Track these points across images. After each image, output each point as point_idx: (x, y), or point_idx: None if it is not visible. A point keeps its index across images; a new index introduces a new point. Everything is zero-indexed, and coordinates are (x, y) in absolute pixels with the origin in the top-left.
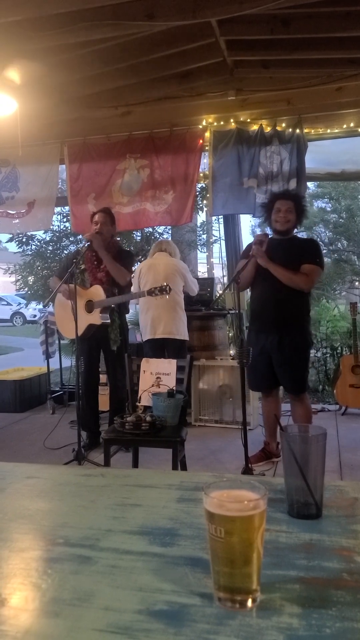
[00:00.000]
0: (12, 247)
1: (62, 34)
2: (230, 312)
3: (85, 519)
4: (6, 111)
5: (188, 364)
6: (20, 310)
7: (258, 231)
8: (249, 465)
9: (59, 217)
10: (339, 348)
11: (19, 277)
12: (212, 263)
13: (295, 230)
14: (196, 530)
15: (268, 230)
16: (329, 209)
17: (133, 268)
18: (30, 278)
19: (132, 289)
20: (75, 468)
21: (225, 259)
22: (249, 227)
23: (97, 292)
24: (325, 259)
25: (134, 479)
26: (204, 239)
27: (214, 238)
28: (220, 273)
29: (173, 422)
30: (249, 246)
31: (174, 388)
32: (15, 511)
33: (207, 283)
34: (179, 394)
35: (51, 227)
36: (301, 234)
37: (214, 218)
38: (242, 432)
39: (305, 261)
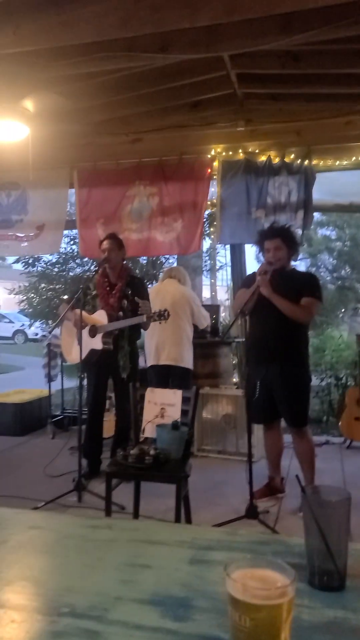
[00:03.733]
0: (18, 265)
1: (76, 64)
2: (236, 340)
3: (92, 582)
4: (18, 136)
5: (194, 395)
6: (22, 328)
7: (262, 258)
8: (254, 502)
9: (66, 239)
10: (344, 378)
11: (24, 298)
12: (216, 289)
13: (294, 261)
14: (211, 601)
15: None
16: (333, 236)
17: None
18: (32, 297)
19: None
20: (81, 518)
21: (229, 283)
22: (253, 253)
23: (100, 317)
24: (329, 286)
25: (143, 533)
26: (209, 264)
27: (219, 264)
28: (224, 296)
29: (177, 456)
30: (251, 275)
31: (179, 420)
32: (18, 570)
33: (212, 310)
34: (183, 427)
35: (59, 250)
36: (305, 260)
37: (217, 245)
38: (247, 468)
39: (305, 294)
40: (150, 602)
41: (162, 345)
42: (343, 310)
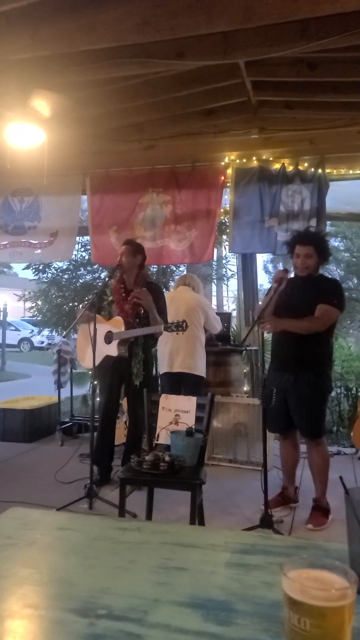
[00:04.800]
0: (24, 273)
1: (91, 70)
2: (248, 348)
3: (127, 584)
4: (35, 142)
5: (209, 402)
6: (27, 336)
7: (270, 267)
8: (269, 511)
9: (77, 246)
10: (354, 388)
11: (34, 305)
12: (222, 298)
13: (321, 269)
14: (252, 605)
15: (281, 266)
16: (341, 247)
17: None
18: (39, 303)
19: None
20: (109, 520)
21: (237, 293)
22: (262, 262)
23: (118, 323)
24: None
25: (174, 536)
26: (220, 273)
27: (230, 273)
28: (232, 306)
29: (192, 463)
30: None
31: (193, 427)
32: (49, 571)
33: (224, 318)
34: (198, 433)
35: (72, 258)
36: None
37: (229, 253)
38: (261, 477)
39: (321, 301)
40: (189, 605)
41: (175, 353)
42: (349, 322)
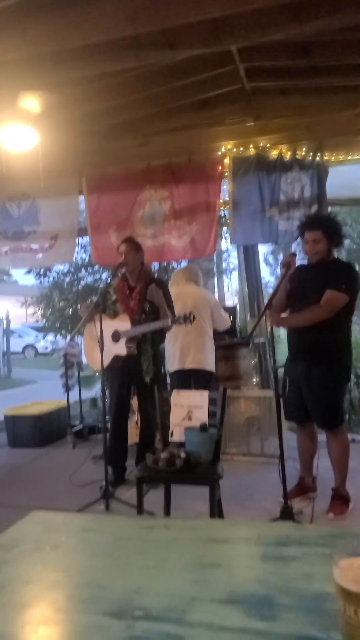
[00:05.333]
0: (25, 279)
1: (83, 65)
2: (255, 340)
3: (161, 584)
4: (28, 144)
5: (221, 396)
6: (31, 343)
7: (271, 259)
8: (288, 503)
9: (77, 247)
10: None
11: (37, 309)
12: (224, 292)
13: (336, 253)
14: (296, 598)
15: (282, 258)
16: None
17: None
18: (41, 307)
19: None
20: (134, 519)
21: (239, 287)
22: (262, 255)
23: (124, 321)
24: None
25: (204, 532)
26: (222, 266)
27: (232, 266)
28: (234, 300)
29: (207, 458)
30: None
31: (207, 422)
32: (78, 574)
33: (230, 312)
34: (212, 428)
35: (73, 260)
36: None
37: (230, 246)
38: (279, 468)
39: (329, 286)
40: (229, 601)
41: (187, 350)
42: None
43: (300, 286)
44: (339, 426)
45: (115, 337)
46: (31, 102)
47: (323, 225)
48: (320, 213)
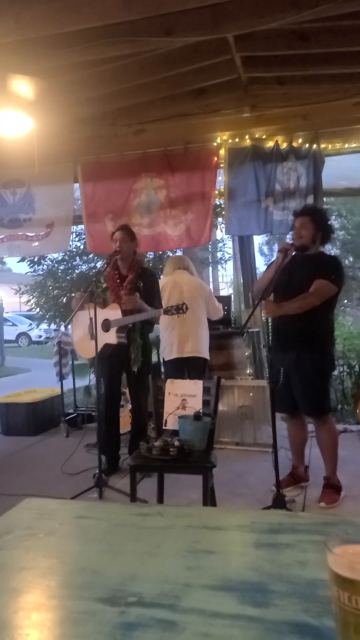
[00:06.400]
0: (18, 267)
1: (78, 51)
2: (249, 330)
3: (155, 570)
4: (22, 130)
5: (215, 385)
6: (25, 331)
7: (266, 250)
8: (281, 491)
9: (72, 235)
10: (357, 366)
11: (30, 298)
12: (218, 282)
13: (324, 246)
14: (289, 585)
15: (277, 248)
16: (337, 225)
17: None
18: (35, 295)
19: None
20: (128, 506)
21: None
22: (257, 245)
23: (114, 310)
24: None
25: (198, 519)
26: (217, 256)
27: (227, 256)
28: (228, 291)
29: (201, 446)
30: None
31: (201, 410)
32: (72, 560)
33: (225, 301)
34: (206, 417)
35: (68, 248)
36: None
37: (225, 236)
38: (272, 457)
39: (318, 276)
40: (223, 588)
41: (185, 338)
42: (345, 300)
43: (288, 277)
44: (327, 414)
45: (106, 326)
46: (23, 87)
47: (311, 213)
48: (315, 204)
